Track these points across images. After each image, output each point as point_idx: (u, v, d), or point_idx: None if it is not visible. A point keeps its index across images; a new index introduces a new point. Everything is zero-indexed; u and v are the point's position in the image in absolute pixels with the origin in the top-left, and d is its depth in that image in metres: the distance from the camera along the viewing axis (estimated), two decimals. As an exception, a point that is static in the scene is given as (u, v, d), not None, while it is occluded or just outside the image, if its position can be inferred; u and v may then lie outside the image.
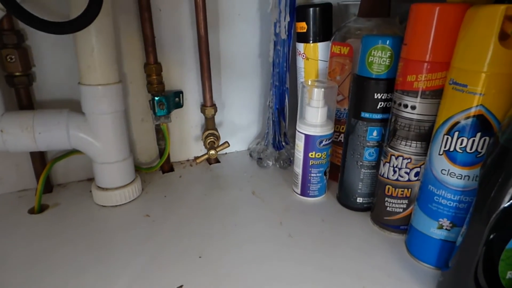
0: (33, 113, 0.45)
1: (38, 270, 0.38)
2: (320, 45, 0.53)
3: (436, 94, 0.35)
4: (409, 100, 0.36)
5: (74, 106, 0.48)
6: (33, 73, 0.49)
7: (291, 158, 0.61)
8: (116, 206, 0.50)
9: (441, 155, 0.34)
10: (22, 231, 0.45)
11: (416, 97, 0.36)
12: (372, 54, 0.40)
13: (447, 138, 0.33)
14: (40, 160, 0.51)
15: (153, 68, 0.53)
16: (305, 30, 0.53)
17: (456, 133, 0.32)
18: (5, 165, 0.51)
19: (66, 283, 0.37)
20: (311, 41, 0.53)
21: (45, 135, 0.44)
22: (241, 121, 0.66)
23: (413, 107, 0.36)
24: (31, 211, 0.48)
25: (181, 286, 0.36)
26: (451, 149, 0.33)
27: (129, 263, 0.39)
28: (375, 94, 0.41)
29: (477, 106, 0.30)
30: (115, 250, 0.41)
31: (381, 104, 0.42)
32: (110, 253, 0.41)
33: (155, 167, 0.59)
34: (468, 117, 0.31)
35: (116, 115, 0.47)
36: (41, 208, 0.49)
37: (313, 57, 0.54)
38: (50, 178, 0.54)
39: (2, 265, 0.39)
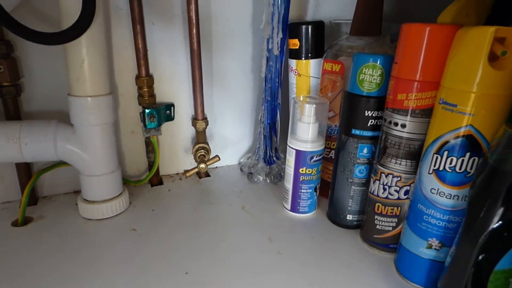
0: (20, 123, 0.44)
1: (19, 284, 0.37)
2: (312, 62, 0.53)
3: (426, 113, 0.35)
4: (399, 118, 0.37)
5: (62, 118, 0.47)
6: (21, 83, 0.48)
7: (282, 174, 0.60)
8: (102, 219, 0.49)
9: (430, 174, 0.34)
10: (4, 244, 0.43)
11: (406, 115, 0.36)
12: (363, 72, 0.40)
13: (437, 157, 0.33)
14: (25, 171, 0.50)
15: (144, 81, 0.53)
16: (297, 47, 0.53)
17: (446, 153, 0.32)
18: (-11, 176, 0.50)
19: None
20: (303, 58, 0.53)
21: (32, 146, 0.44)
22: (232, 135, 0.66)
23: (403, 125, 0.37)
24: (15, 224, 0.47)
25: (166, 304, 0.35)
26: (441, 168, 0.33)
27: (114, 278, 0.38)
28: (366, 112, 0.41)
29: (466, 126, 0.30)
30: (100, 265, 0.40)
31: (371, 122, 0.42)
32: (94, 267, 0.40)
33: (143, 180, 0.58)
34: (457, 137, 0.31)
35: (105, 127, 0.47)
36: (25, 221, 0.47)
37: (305, 73, 0.54)
38: (35, 190, 0.53)
39: (-19, 279, 0.38)
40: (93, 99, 0.44)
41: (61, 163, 0.51)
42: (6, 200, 0.52)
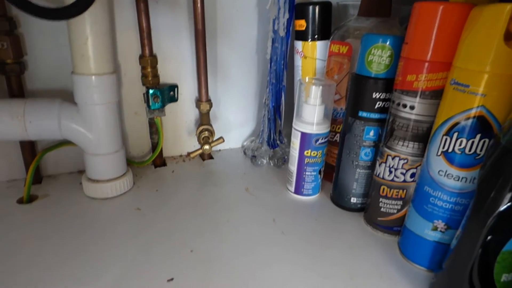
0: (24, 101, 0.44)
1: (25, 259, 0.38)
2: (319, 44, 0.52)
3: (436, 95, 0.35)
4: (408, 100, 0.36)
5: (66, 97, 0.47)
6: (25, 61, 0.48)
7: (286, 157, 0.60)
8: (107, 198, 0.49)
9: (439, 156, 0.34)
10: (10, 220, 0.44)
11: (416, 97, 0.36)
12: (372, 52, 0.40)
13: (446, 138, 0.33)
14: (30, 150, 0.50)
15: (148, 61, 0.52)
16: (304, 28, 0.52)
17: (455, 134, 0.32)
18: (-7, 154, 0.50)
19: (52, 274, 0.36)
20: (309, 40, 0.52)
21: (36, 124, 0.43)
22: (236, 118, 0.65)
23: (412, 107, 0.36)
24: (20, 201, 0.47)
25: (172, 279, 0.36)
26: (450, 150, 0.33)
27: (119, 255, 0.39)
28: (374, 94, 0.41)
29: (478, 107, 0.30)
30: (104, 242, 0.41)
31: (379, 104, 0.41)
32: (99, 245, 0.40)
33: (147, 161, 0.58)
34: (468, 118, 0.31)
35: (109, 106, 0.46)
36: (30, 199, 0.48)
37: (311, 55, 0.53)
38: (40, 169, 0.53)
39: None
40: (97, 77, 0.44)
41: (66, 143, 0.50)
42: (11, 178, 0.52)
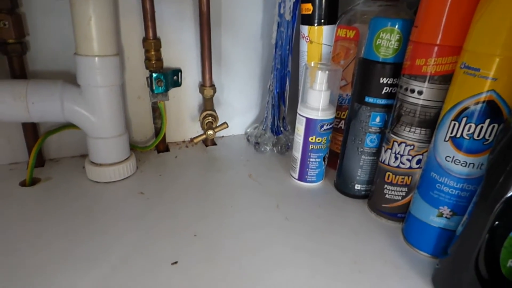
0: (26, 82, 0.43)
1: (27, 241, 0.37)
2: (325, 29, 0.52)
3: (444, 79, 0.34)
4: (417, 85, 0.36)
5: (69, 79, 0.46)
6: (26, 41, 0.47)
7: (289, 144, 0.60)
8: (110, 182, 0.48)
9: (446, 141, 0.33)
10: (13, 202, 0.44)
11: (424, 81, 0.35)
12: (380, 36, 0.39)
13: (454, 124, 0.32)
14: (32, 132, 0.50)
15: (151, 44, 0.51)
16: (310, 12, 0.51)
17: (464, 119, 0.31)
18: (-4, 136, 0.50)
19: (54, 256, 0.36)
20: (316, 24, 0.51)
21: (39, 106, 0.43)
22: (240, 104, 0.65)
23: (420, 92, 0.36)
24: (23, 184, 0.47)
25: (176, 262, 0.36)
26: (458, 136, 0.32)
27: (122, 238, 0.39)
28: (381, 79, 0.40)
29: (488, 91, 0.29)
30: (108, 225, 0.40)
31: (386, 89, 0.41)
32: (102, 228, 0.40)
33: (150, 146, 0.58)
34: (478, 103, 0.30)
35: (112, 89, 0.46)
36: (33, 182, 0.47)
37: (317, 40, 0.52)
38: (42, 152, 0.53)
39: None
40: (100, 59, 0.43)
41: (68, 125, 0.50)
42: (13, 161, 0.52)
